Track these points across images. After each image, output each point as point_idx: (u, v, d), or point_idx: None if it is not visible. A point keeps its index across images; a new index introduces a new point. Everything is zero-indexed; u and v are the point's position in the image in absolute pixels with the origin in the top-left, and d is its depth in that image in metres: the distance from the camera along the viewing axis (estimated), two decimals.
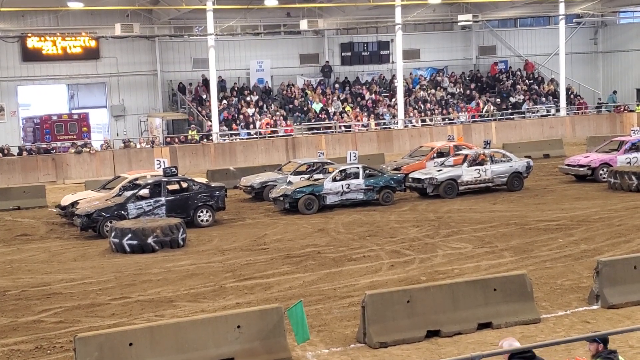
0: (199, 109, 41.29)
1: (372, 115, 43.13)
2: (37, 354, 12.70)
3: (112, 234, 20.33)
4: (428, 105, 44.68)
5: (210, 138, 38.43)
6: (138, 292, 16.21)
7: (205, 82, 41.49)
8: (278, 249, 19.90)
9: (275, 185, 27.02)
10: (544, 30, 50.91)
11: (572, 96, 47.66)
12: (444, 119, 43.62)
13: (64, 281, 17.37)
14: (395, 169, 29.02)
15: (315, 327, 13.18)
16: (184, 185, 24.11)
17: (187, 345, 11.48)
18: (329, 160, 29.27)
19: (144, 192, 23.41)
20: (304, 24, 40.63)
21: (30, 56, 40.01)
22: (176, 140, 38.43)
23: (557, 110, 45.80)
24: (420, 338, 12.55)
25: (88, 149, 35.96)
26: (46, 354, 12.68)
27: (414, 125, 42.65)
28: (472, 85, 47.28)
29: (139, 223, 20.74)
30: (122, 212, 22.64)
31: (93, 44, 40.77)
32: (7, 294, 16.50)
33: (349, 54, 46.65)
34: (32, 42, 39.74)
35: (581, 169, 28.64)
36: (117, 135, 41.27)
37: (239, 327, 11.78)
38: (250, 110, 41.39)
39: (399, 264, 17.63)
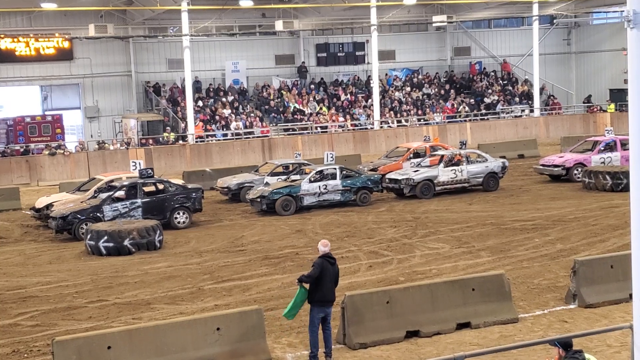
0: (175, 109, 41.08)
1: (348, 116, 43.18)
2: (14, 358, 12.57)
3: (88, 237, 20.17)
4: (404, 106, 44.81)
5: (186, 139, 38.29)
6: (115, 294, 16.09)
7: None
8: (256, 250, 19.85)
9: (252, 186, 26.97)
10: (517, 31, 51.30)
11: (545, 96, 48.02)
12: (419, 120, 43.78)
13: (39, 284, 17.20)
14: (372, 170, 29.09)
15: (294, 329, 13.17)
16: (160, 186, 23.97)
17: (166, 348, 11.42)
18: (306, 161, 29.26)
19: (120, 194, 23.25)
20: (279, 25, 40.64)
21: (3, 57, 39.62)
22: (151, 141, 38.20)
23: (531, 111, 46.14)
24: (400, 338, 12.59)
25: (62, 151, 35.63)
26: (24, 358, 12.56)
27: (389, 126, 42.76)
28: (447, 86, 47.49)
29: (115, 225, 20.58)
30: (98, 214, 22.45)
31: (66, 44, 40.48)
32: None
33: (324, 54, 46.74)
34: (4, 43, 39.39)
35: (556, 169, 28.85)
36: (92, 136, 40.99)
37: (218, 329, 11.74)
38: (226, 111, 41.26)
39: (377, 265, 17.66)
